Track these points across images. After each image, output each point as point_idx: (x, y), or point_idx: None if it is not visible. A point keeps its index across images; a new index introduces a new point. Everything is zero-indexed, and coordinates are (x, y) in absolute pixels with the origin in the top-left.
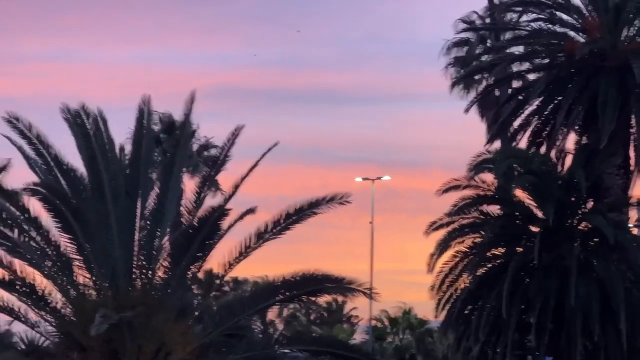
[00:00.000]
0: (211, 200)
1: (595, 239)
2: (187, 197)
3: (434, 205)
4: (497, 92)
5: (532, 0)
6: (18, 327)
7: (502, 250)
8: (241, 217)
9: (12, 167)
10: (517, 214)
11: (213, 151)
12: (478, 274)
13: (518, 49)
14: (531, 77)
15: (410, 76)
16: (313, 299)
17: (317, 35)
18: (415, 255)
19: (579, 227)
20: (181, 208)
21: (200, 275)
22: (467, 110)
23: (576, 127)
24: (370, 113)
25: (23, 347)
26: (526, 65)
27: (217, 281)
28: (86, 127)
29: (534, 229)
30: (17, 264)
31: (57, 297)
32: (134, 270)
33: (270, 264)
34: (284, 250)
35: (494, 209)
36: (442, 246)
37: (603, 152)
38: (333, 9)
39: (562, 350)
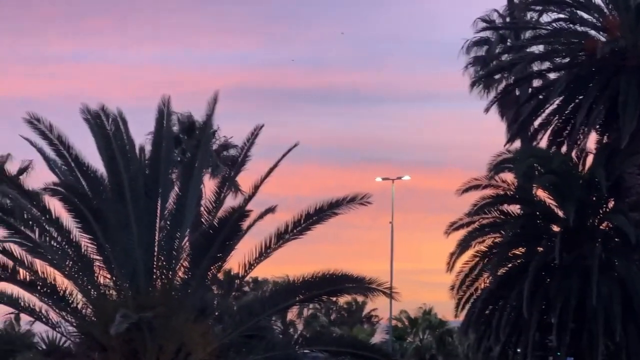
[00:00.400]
0: (231, 201)
1: (616, 239)
2: (207, 197)
3: (454, 205)
4: (517, 92)
5: None
6: (39, 328)
7: (522, 250)
8: (261, 217)
9: (33, 168)
10: (537, 213)
11: (232, 151)
12: (499, 273)
13: (538, 48)
14: (551, 76)
15: (429, 76)
16: (333, 299)
17: (337, 35)
18: (435, 255)
19: (600, 227)
20: (201, 208)
21: (220, 275)
22: (487, 109)
23: (597, 127)
24: (390, 113)
25: (44, 347)
26: (546, 65)
27: (237, 281)
28: (106, 128)
29: (555, 228)
30: (39, 264)
31: (77, 298)
32: (154, 270)
33: (290, 264)
34: (304, 250)
35: (515, 209)
36: (462, 246)
37: (624, 152)
38: (352, 8)
39: (584, 350)
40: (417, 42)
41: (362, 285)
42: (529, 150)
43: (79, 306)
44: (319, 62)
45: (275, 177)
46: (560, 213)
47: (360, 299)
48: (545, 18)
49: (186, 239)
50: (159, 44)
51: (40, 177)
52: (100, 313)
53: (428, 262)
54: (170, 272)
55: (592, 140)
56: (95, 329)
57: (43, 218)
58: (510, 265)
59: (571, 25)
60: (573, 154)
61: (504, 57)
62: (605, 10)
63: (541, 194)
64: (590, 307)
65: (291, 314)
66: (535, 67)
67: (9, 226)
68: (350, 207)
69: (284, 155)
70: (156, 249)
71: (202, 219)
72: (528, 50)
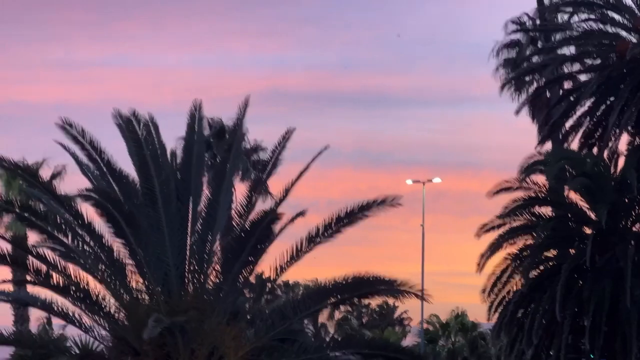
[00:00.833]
0: (261, 204)
1: None
2: (238, 201)
3: (485, 207)
4: (548, 94)
5: (582, 0)
6: (72, 332)
7: (554, 252)
8: (292, 220)
9: (66, 173)
10: (569, 215)
11: (263, 154)
12: (530, 276)
13: (569, 50)
14: (582, 78)
15: (460, 78)
16: (364, 301)
17: (368, 38)
18: (466, 257)
19: (633, 229)
20: (232, 212)
21: (252, 279)
22: (517, 112)
23: (629, 128)
24: (421, 115)
25: (77, 351)
26: (577, 66)
27: (269, 285)
28: (137, 132)
29: (587, 230)
30: (72, 268)
31: (110, 302)
32: (186, 274)
33: (321, 266)
34: (335, 252)
35: (546, 211)
36: (494, 248)
37: None
38: (383, 11)
39: (617, 353)
40: (449, 45)
41: (394, 288)
42: (560, 152)
43: (112, 310)
44: (350, 65)
45: (306, 180)
46: (592, 215)
47: (391, 301)
48: (575, 20)
49: (218, 242)
50: (190, 48)
51: (73, 182)
52: (132, 317)
53: (459, 264)
54: (202, 276)
55: (623, 142)
56: (128, 333)
57: (76, 223)
58: (542, 267)
59: (602, 27)
60: (604, 156)
61: (535, 59)
62: (636, 11)
63: (573, 196)
64: (623, 310)
65: (322, 317)
66: (566, 68)
67: (42, 231)
68: (381, 209)
69: (314, 158)
70: (188, 252)
71: (233, 223)
72: (559, 52)
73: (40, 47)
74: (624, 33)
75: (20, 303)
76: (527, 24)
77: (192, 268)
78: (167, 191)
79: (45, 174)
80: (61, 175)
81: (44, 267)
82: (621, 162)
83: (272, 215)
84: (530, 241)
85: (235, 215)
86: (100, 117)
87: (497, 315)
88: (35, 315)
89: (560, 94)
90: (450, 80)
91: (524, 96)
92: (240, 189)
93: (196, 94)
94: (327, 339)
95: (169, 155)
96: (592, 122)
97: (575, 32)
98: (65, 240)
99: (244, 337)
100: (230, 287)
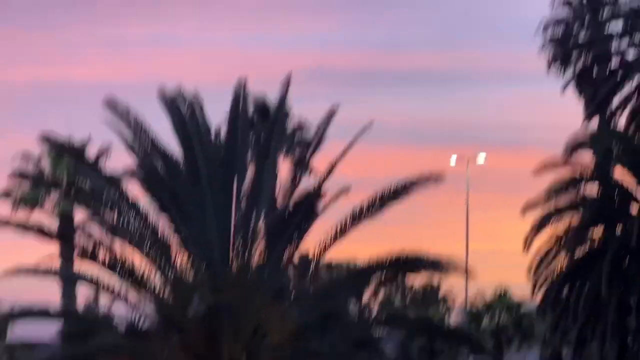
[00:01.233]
0: (305, 182)
1: None
2: (281, 179)
3: (530, 185)
4: (595, 70)
5: None
6: (119, 308)
7: (600, 231)
8: (336, 197)
9: (112, 152)
10: (615, 194)
11: (307, 133)
12: (576, 255)
13: (617, 26)
14: (630, 53)
15: (505, 56)
16: (408, 281)
17: (413, 16)
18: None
19: None
20: (276, 190)
21: (296, 257)
22: (564, 89)
23: None
24: (466, 93)
25: (123, 327)
26: (625, 43)
27: (313, 263)
28: (182, 111)
29: (634, 209)
30: (118, 245)
31: (155, 279)
32: (230, 252)
33: (364, 245)
34: (378, 231)
35: (592, 190)
36: (539, 227)
37: None
38: None
39: None
40: (494, 22)
41: (438, 266)
42: (606, 129)
43: (157, 288)
44: (395, 43)
45: (350, 158)
46: (639, 194)
47: (435, 280)
48: None
49: (262, 221)
50: (236, 26)
51: (118, 160)
52: (177, 295)
53: (504, 242)
54: (247, 254)
55: None
56: (173, 311)
57: (121, 200)
58: (588, 246)
59: None
60: None
61: (582, 36)
62: None
63: (619, 174)
64: None
65: (366, 296)
66: (614, 45)
67: (89, 208)
68: (425, 187)
69: (358, 135)
70: (232, 231)
71: (277, 201)
72: (606, 28)
73: (87, 27)
74: None
75: (68, 279)
76: (574, 0)
77: (236, 246)
78: (211, 169)
79: (91, 152)
80: (107, 154)
81: (90, 244)
82: None
83: (315, 193)
84: (576, 220)
85: (280, 193)
86: (145, 96)
87: (541, 294)
88: (83, 292)
89: (608, 70)
90: (495, 58)
91: (571, 73)
92: (284, 167)
93: (241, 72)
94: (372, 318)
95: (213, 134)
96: None
97: (623, 7)
98: (111, 217)
99: (288, 316)
100: (275, 265)
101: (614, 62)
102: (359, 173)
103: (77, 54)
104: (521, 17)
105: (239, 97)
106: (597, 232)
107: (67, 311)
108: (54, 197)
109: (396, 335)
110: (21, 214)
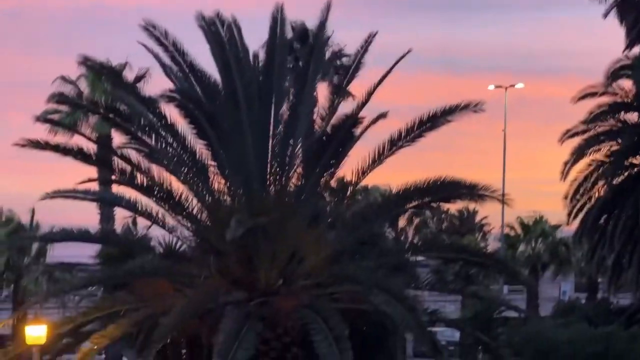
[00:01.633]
0: (343, 108)
1: None
2: (319, 104)
3: (568, 113)
4: None
5: None
6: (156, 232)
7: (639, 159)
8: (373, 122)
9: (150, 76)
10: None
11: (345, 59)
12: (614, 182)
13: None
14: None
15: None
16: (444, 207)
17: None
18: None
19: None
20: (314, 116)
21: (333, 182)
22: (605, 15)
23: None
24: (504, 20)
25: (161, 250)
26: None
27: (350, 189)
28: (220, 34)
29: None
30: (155, 169)
31: (193, 202)
32: (267, 176)
33: (401, 172)
34: (416, 158)
35: (632, 117)
36: (577, 154)
37: None
38: None
39: None
40: None
41: (475, 192)
42: None
43: (194, 211)
44: None
45: (388, 85)
46: None
47: (471, 206)
48: None
49: (299, 145)
50: None
51: (156, 84)
52: (215, 218)
53: (541, 171)
54: (284, 179)
55: None
56: (210, 234)
57: (159, 124)
58: (626, 173)
59: None
60: None
61: None
62: None
63: None
64: None
65: (402, 222)
66: None
67: (126, 132)
68: (463, 114)
69: (396, 62)
70: (270, 155)
71: (315, 126)
72: None
73: None
74: None
75: (106, 202)
76: None
77: (273, 170)
78: (249, 93)
79: (129, 76)
80: (145, 78)
81: (128, 168)
82: None
83: (353, 119)
84: (615, 147)
85: (318, 118)
86: (184, 20)
87: (577, 221)
88: (121, 215)
89: None
90: None
91: None
92: (322, 93)
93: None
94: (408, 243)
95: (251, 58)
96: None
97: None
98: (148, 141)
99: (324, 240)
100: (312, 190)
101: None
102: (397, 99)
103: None
104: None
105: (277, 21)
106: (636, 159)
107: (106, 233)
108: (92, 121)
109: (432, 261)
110: (60, 137)
